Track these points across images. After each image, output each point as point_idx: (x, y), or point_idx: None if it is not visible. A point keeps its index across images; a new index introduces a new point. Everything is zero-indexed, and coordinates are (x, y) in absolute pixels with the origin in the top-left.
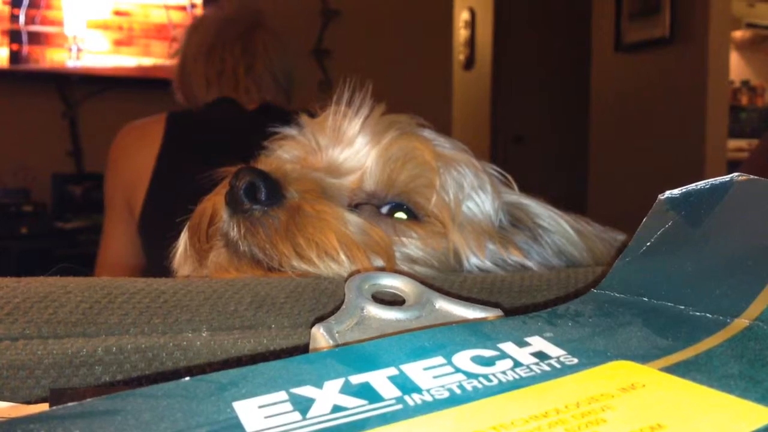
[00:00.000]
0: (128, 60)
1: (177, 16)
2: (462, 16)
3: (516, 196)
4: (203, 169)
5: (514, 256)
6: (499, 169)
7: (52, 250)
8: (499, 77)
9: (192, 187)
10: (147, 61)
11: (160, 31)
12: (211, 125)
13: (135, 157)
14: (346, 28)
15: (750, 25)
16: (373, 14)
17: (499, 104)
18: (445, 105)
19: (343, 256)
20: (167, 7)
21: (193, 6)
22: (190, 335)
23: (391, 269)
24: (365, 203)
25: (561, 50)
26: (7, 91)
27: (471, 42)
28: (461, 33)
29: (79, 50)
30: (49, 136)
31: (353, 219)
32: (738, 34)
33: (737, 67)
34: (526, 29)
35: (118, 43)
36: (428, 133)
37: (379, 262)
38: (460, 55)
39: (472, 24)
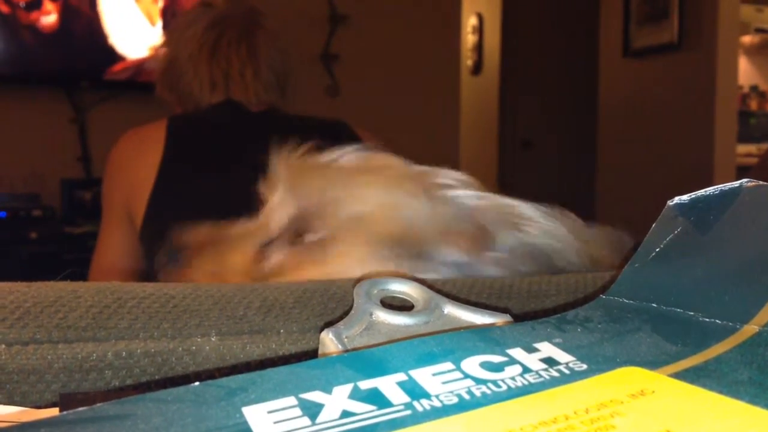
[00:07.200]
0: None
1: None
2: (470, 22)
3: (493, 199)
4: (207, 175)
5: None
6: (464, 174)
7: (62, 255)
8: (507, 82)
9: (196, 192)
10: None
11: None
12: (215, 130)
13: (135, 165)
14: (354, 33)
15: (759, 30)
16: (381, 19)
17: (506, 109)
18: (452, 110)
19: None
20: None
21: None
22: (199, 340)
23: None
24: (276, 238)
25: (569, 55)
26: (16, 96)
27: (479, 47)
28: (469, 38)
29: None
30: (58, 141)
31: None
32: (747, 39)
33: (746, 72)
34: (533, 34)
35: None
36: (350, 149)
37: None
38: (468, 60)
39: (480, 29)
